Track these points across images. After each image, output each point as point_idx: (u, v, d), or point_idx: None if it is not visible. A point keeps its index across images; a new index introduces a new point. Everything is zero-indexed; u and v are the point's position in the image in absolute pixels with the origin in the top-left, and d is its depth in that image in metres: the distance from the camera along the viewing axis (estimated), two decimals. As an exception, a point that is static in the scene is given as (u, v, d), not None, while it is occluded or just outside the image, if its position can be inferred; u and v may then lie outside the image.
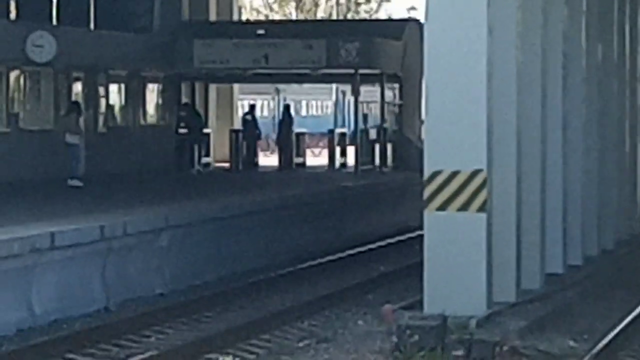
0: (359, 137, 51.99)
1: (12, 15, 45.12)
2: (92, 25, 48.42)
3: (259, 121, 59.62)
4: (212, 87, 56.31)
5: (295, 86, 65.72)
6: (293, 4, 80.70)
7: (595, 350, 21.93)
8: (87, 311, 25.52)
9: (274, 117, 61.39)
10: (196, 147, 53.05)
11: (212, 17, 57.05)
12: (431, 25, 25.24)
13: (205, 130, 54.41)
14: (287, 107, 59.87)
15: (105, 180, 33.37)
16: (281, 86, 67.83)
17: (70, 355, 22.14)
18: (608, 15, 36.52)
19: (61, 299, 25.46)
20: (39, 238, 25.49)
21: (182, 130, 52.51)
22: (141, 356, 21.65)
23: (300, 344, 23.73)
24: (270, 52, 49.90)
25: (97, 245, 27.19)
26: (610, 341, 22.74)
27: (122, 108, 49.27)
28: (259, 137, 55.65)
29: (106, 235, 27.51)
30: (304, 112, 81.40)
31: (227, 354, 21.63)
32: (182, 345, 22.69)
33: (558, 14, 30.59)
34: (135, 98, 49.82)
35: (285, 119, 56.44)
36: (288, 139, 54.20)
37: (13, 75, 41.28)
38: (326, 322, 25.92)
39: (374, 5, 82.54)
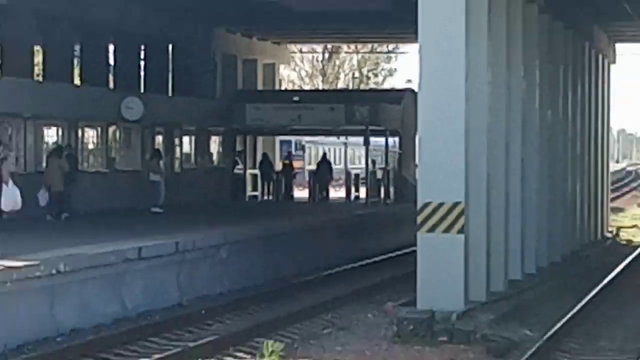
0: (368, 177, 51.92)
1: (111, 84, 45.10)
2: (169, 92, 48.39)
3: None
4: (259, 139, 56.22)
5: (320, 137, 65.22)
6: (320, 77, 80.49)
7: (545, 337, 21.96)
8: (165, 306, 25.61)
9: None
10: (272, 184, 53.81)
11: (260, 86, 56.94)
12: (423, 94, 25.44)
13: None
14: (324, 155, 59.74)
15: (180, 208, 33.41)
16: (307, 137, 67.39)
17: (152, 339, 22.39)
18: (555, 87, 36.54)
19: (145, 297, 25.65)
20: (130, 251, 25.66)
21: (236, 171, 52.57)
22: (207, 339, 21.81)
23: (325, 331, 23.98)
24: (303, 113, 49.93)
25: (173, 257, 27.36)
26: (556, 330, 22.81)
27: (192, 154, 49.21)
28: (294, 176, 55.43)
29: (180, 249, 27.66)
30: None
31: (270, 338, 21.56)
32: (236, 331, 23.13)
33: (518, 87, 30.68)
34: (202, 147, 49.81)
35: (324, 162, 56.16)
36: (324, 178, 54.12)
37: (111, 129, 41.40)
38: (344, 315, 26.13)
39: (380, 79, 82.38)
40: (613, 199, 66.55)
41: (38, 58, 44.56)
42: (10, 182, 23.81)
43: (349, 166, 67.67)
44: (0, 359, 19.56)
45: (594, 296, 28.17)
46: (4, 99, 34.27)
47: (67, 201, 35.49)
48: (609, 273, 33.28)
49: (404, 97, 50.08)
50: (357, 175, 56.38)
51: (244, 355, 20.56)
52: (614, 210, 63.62)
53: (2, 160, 24.33)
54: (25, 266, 21.93)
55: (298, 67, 78.62)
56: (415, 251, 25.47)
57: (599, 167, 49.50)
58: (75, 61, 45.19)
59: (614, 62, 55.60)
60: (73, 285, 23.27)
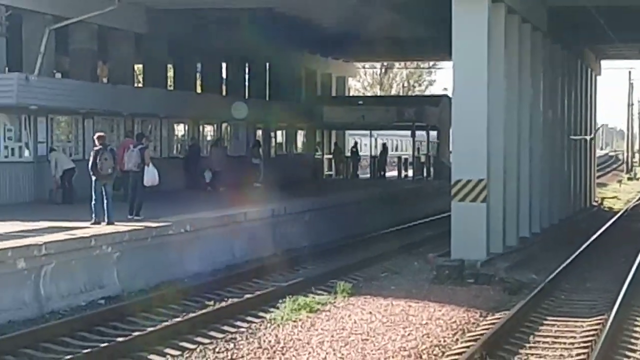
0: (414, 160, 51.83)
1: (223, 92, 45.25)
2: (267, 98, 48.53)
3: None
4: (333, 132, 56.21)
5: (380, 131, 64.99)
6: (378, 87, 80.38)
7: (547, 280, 21.85)
8: (265, 255, 25.53)
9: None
10: (342, 166, 54.02)
11: (333, 93, 56.94)
12: (455, 99, 25.50)
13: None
14: (384, 145, 59.61)
15: (275, 185, 33.45)
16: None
17: (256, 280, 22.47)
18: (554, 93, 36.33)
19: (250, 249, 25.72)
20: (238, 215, 25.74)
21: (316, 156, 52.66)
22: (295, 280, 21.92)
23: (382, 275, 23.92)
24: (366, 114, 49.88)
25: (270, 219, 27.37)
26: (555, 275, 22.67)
27: (283, 144, 49.34)
28: (359, 160, 55.32)
29: (275, 214, 27.68)
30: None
31: (342, 280, 21.62)
32: (317, 275, 23.12)
33: (527, 93, 30.52)
34: (290, 138, 49.92)
35: (384, 150, 56.11)
36: (383, 162, 54.17)
37: (224, 125, 41.52)
38: (397, 263, 26.08)
39: (423, 87, 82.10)
40: (598, 177, 66.02)
41: (170, 73, 44.80)
42: (151, 165, 24.02)
43: (399, 152, 67.45)
44: (147, 292, 19.83)
45: (584, 249, 27.99)
46: (146, 104, 34.66)
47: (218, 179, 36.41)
48: (595, 231, 33.11)
49: (441, 101, 49.87)
50: (406, 160, 56.33)
51: (323, 292, 20.58)
52: (599, 185, 63.09)
53: (145, 148, 24.55)
54: (161, 226, 22.18)
55: (362, 79, 78.33)
56: (449, 216, 25.51)
57: (588, 152, 49.17)
58: (198, 75, 45.42)
59: (600, 74, 55.26)
60: (197, 240, 23.50)
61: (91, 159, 22.26)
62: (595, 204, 51.31)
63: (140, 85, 40.92)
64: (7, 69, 29.79)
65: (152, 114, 35.43)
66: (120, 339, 15.51)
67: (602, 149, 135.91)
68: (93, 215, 21.79)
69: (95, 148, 22.32)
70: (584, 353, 14.97)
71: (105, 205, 21.97)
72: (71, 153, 30.29)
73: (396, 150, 70.35)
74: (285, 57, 47.75)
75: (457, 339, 16.27)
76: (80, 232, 20.05)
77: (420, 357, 14.94)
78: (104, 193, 22.11)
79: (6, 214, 23.75)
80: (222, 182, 35.58)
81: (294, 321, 17.48)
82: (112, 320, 17.10)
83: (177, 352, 15.02)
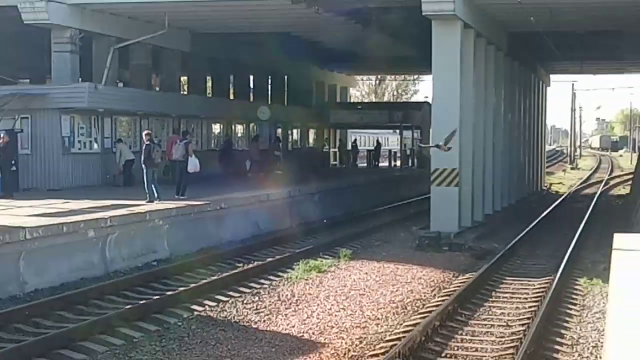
0: (402, 153, 51.84)
1: (251, 99, 45.17)
2: (285, 103, 48.43)
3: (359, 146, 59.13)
4: (338, 131, 56.12)
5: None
6: (373, 95, 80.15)
7: (506, 248, 21.87)
8: (283, 228, 25.58)
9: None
10: (344, 157, 53.94)
11: (337, 100, 56.79)
12: (434, 105, 25.41)
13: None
14: (378, 140, 59.57)
15: (291, 172, 33.41)
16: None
17: (276, 247, 22.53)
18: (513, 100, 36.26)
19: (271, 222, 25.68)
20: (262, 195, 25.78)
21: (324, 150, 52.59)
22: (306, 247, 21.95)
23: (376, 243, 23.96)
24: (363, 116, 49.99)
25: (287, 199, 27.38)
26: (513, 244, 22.69)
27: (298, 140, 49.31)
28: (358, 152, 55.17)
29: (290, 195, 27.68)
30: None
31: (343, 247, 21.61)
32: (323, 243, 22.97)
33: (491, 100, 30.48)
34: (304, 135, 49.89)
35: (378, 145, 56.13)
36: (377, 154, 54.09)
37: (251, 125, 41.59)
38: (387, 234, 26.05)
39: (409, 95, 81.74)
40: (547, 167, 65.91)
41: (208, 83, 44.71)
42: (193, 155, 24.14)
43: (389, 147, 67.42)
44: (190, 256, 19.91)
45: (535, 224, 27.97)
46: (189, 107, 34.79)
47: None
48: (545, 210, 33.07)
49: (423, 106, 49.64)
50: (395, 152, 56.26)
51: (329, 257, 20.60)
52: (548, 173, 62.93)
53: (188, 142, 24.64)
54: (201, 204, 22.24)
55: (360, 88, 77.97)
56: (429, 197, 25.52)
57: (539, 147, 49.08)
58: (230, 85, 45.33)
59: (549, 85, 55.19)
60: (229, 215, 23.54)
61: (144, 152, 22.51)
62: (544, 188, 51.19)
63: (185, 92, 40.86)
64: (80, 79, 29.88)
65: (195, 115, 35.54)
66: (169, 293, 15.60)
67: (550, 144, 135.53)
68: (147, 195, 21.93)
69: (146, 143, 22.56)
70: (535, 305, 15.01)
71: (154, 187, 22.19)
72: (130, 146, 30.37)
73: (387, 145, 70.20)
74: (300, 71, 47.68)
75: (435, 294, 16.31)
76: (137, 208, 20.14)
77: (406, 308, 14.99)
78: (154, 178, 22.44)
79: (79, 194, 23.94)
80: (259, 170, 35.72)
81: (306, 279, 17.56)
82: (162, 277, 17.19)
83: (214, 303, 15.09)
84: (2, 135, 24.65)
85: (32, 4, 27.08)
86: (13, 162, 24.55)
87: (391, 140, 72.61)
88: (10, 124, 26.72)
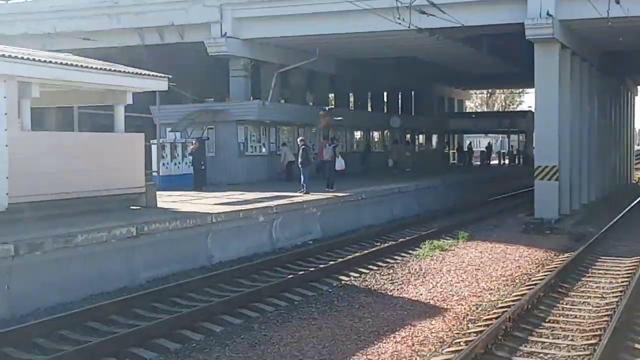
0: (509, 153, 50.46)
1: (385, 110, 44.97)
2: (412, 113, 48.02)
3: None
4: (456, 135, 55.16)
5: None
6: (485, 106, 78.30)
7: (601, 232, 20.94)
8: (412, 214, 25.18)
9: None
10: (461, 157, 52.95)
11: (455, 110, 55.85)
12: (537, 113, 24.58)
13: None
14: (489, 143, 58.33)
15: (418, 169, 32.95)
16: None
17: (404, 230, 22.12)
18: (605, 108, 34.69)
19: (402, 210, 25.29)
20: (393, 188, 25.54)
21: (445, 151, 51.77)
22: (431, 230, 21.58)
23: (489, 227, 23.35)
24: (477, 123, 49.05)
25: (414, 191, 27.01)
26: (607, 228, 21.71)
27: (423, 143, 48.76)
28: (472, 153, 53.96)
29: (417, 187, 27.33)
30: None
31: (461, 230, 21.20)
32: (445, 227, 22.47)
33: (585, 108, 29.22)
34: (428, 139, 49.31)
35: (489, 147, 54.92)
36: (489, 154, 52.91)
37: (385, 132, 41.38)
38: (498, 220, 25.42)
39: (516, 106, 79.19)
40: (636, 163, 62.63)
41: (351, 99, 44.75)
42: (339, 157, 24.32)
43: (499, 148, 65.76)
44: (339, 237, 19.93)
45: (626, 211, 26.65)
46: (336, 118, 35.02)
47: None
48: (635, 199, 31.47)
49: (527, 114, 48.28)
50: (504, 153, 54.86)
51: (449, 238, 20.30)
52: (637, 169, 59.81)
53: (335, 146, 24.81)
54: (346, 195, 22.33)
55: (474, 100, 76.39)
56: (532, 189, 24.72)
57: (628, 147, 46.64)
58: (369, 100, 45.21)
59: (637, 94, 52.40)
60: (368, 204, 23.45)
61: (301, 154, 22.64)
62: (634, 182, 48.74)
63: (332, 106, 41.15)
64: (251, 97, 30.57)
65: (340, 124, 35.65)
66: (321, 265, 15.76)
67: (638, 145, 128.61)
68: (303, 188, 22.16)
69: (302, 147, 22.75)
70: (626, 280, 14.31)
71: (307, 182, 22.39)
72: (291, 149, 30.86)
73: (498, 146, 68.54)
74: (424, 87, 47.27)
75: (539, 270, 15.81)
76: (296, 199, 20.37)
77: (514, 281, 14.60)
78: (307, 175, 22.63)
79: (251, 188, 24.46)
80: (402, 167, 35.58)
81: (431, 256, 17.37)
82: (316, 254, 17.30)
83: (357, 275, 15.13)
84: (193, 142, 25.57)
85: (215, 40, 27.89)
86: (202, 162, 25.24)
87: (500, 143, 70.89)
88: (200, 133, 27.66)
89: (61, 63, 15.37)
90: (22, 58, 14.34)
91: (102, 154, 16.45)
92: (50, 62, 15.03)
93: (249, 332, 10.61)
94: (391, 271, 15.54)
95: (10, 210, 13.81)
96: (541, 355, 9.57)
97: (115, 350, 9.36)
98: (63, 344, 9.79)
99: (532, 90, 29.17)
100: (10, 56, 14.09)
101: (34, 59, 14.64)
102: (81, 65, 16.03)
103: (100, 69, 16.45)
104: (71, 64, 15.78)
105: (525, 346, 9.95)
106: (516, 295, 12.87)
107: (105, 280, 12.92)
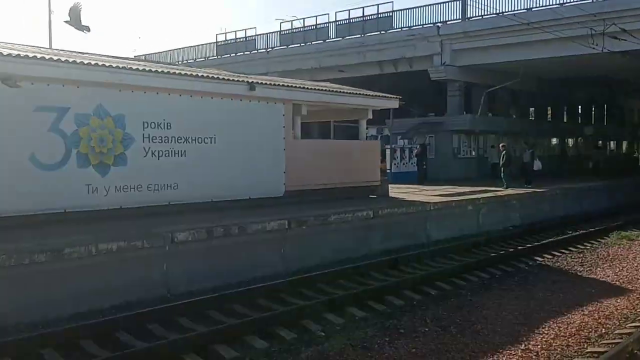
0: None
1: (579, 121, 41.18)
2: (604, 123, 43.27)
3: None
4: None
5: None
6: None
7: None
8: (601, 207, 22.43)
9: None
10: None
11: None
12: None
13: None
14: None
15: (610, 170, 29.09)
16: None
17: (594, 220, 19.79)
18: None
19: (591, 203, 22.64)
20: (583, 186, 23.25)
21: (634, 155, 45.93)
22: (617, 222, 19.20)
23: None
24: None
25: (603, 188, 24.15)
26: None
27: (614, 149, 43.72)
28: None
29: (605, 185, 24.51)
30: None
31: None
32: (633, 219, 19.42)
33: None
34: (619, 145, 44.07)
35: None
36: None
37: (579, 139, 37.98)
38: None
39: None
40: None
41: (548, 112, 41.52)
42: (537, 159, 22.97)
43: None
44: (538, 223, 18.58)
45: None
46: (535, 128, 32.97)
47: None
48: None
49: None
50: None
51: (636, 230, 17.66)
52: None
53: (534, 151, 23.40)
54: (541, 191, 20.82)
55: None
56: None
57: None
58: (564, 112, 41.56)
59: None
60: (561, 198, 21.52)
61: (504, 157, 21.57)
62: None
63: (532, 118, 38.64)
64: (464, 112, 30.04)
65: (538, 133, 33.65)
66: (519, 247, 14.78)
67: None
68: (504, 185, 21.18)
69: (502, 152, 21.70)
70: None
71: (508, 179, 21.27)
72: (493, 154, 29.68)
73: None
74: (614, 100, 42.75)
75: None
76: (499, 193, 19.52)
77: (699, 271, 12.57)
78: (507, 173, 21.45)
79: (463, 184, 23.69)
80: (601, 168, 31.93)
81: (618, 245, 15.65)
82: (516, 237, 16.20)
83: (550, 256, 14.08)
84: (417, 147, 25.75)
85: (436, 68, 28.05)
86: (424, 163, 25.38)
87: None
88: (423, 140, 27.78)
89: (322, 89, 16.86)
90: (297, 87, 15.80)
91: (350, 155, 17.34)
92: (315, 89, 16.43)
93: (458, 297, 10.44)
94: (581, 255, 14.26)
95: (285, 196, 15.06)
96: None
97: (374, 296, 10.05)
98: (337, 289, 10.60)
99: None
100: (289, 86, 15.58)
101: (304, 87, 16.09)
102: (336, 91, 17.38)
103: (349, 93, 17.63)
104: (329, 90, 17.15)
105: None
106: (701, 284, 11.09)
107: (350, 250, 13.47)
